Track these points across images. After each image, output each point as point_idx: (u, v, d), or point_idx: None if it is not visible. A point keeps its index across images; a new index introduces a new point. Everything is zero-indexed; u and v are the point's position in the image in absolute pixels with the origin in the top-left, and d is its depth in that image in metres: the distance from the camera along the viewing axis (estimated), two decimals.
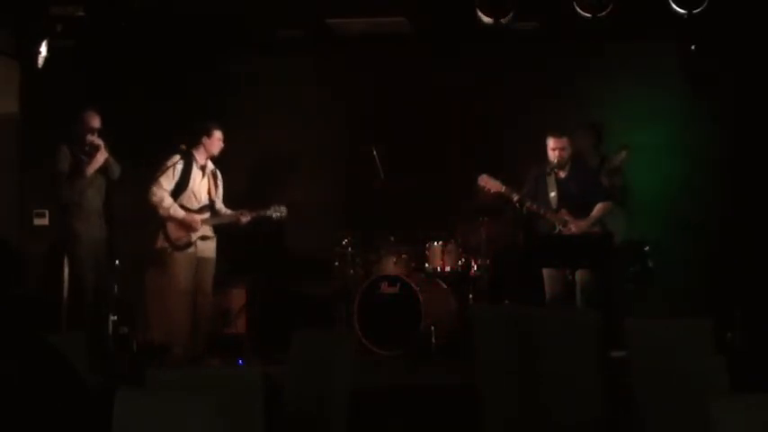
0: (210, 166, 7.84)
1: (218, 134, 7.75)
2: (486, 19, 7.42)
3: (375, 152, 8.38)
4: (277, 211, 7.86)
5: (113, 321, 7.68)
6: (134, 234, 8.17)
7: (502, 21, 7.41)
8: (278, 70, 9.05)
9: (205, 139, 7.72)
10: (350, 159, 8.85)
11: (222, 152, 7.81)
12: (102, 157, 7.56)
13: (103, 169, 7.61)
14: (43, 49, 7.70)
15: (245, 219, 7.81)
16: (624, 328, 4.86)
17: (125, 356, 7.40)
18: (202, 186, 7.77)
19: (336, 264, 8.33)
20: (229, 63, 9.05)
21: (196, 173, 7.72)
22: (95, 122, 7.60)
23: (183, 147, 7.67)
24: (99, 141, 7.55)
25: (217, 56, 8.99)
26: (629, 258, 7.64)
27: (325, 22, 8.41)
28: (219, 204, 7.89)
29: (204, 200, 7.77)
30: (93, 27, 8.03)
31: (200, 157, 7.74)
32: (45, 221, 8.75)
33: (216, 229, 7.80)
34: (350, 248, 8.26)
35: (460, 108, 8.80)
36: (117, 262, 7.78)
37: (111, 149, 7.63)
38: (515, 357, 5.16)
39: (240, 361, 7.47)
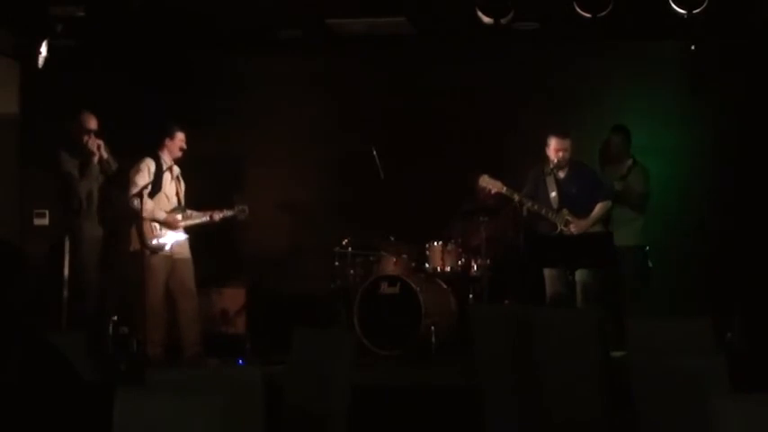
0: (176, 169, 7.81)
1: (180, 136, 7.71)
2: (486, 19, 7.42)
3: (375, 152, 8.39)
4: (241, 212, 7.84)
5: (113, 321, 7.69)
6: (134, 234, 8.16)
7: (502, 21, 7.41)
8: (278, 70, 9.05)
9: (168, 141, 7.70)
10: (349, 159, 8.84)
11: (185, 153, 7.76)
12: (104, 154, 7.58)
13: (104, 170, 7.62)
14: (43, 49, 7.71)
15: (216, 217, 7.80)
16: (624, 328, 4.86)
17: (125, 356, 7.40)
18: (172, 188, 7.76)
19: (336, 264, 8.33)
20: (229, 63, 9.06)
21: (166, 175, 7.71)
22: (92, 124, 7.61)
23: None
24: (98, 141, 7.56)
25: (217, 56, 8.99)
26: (629, 258, 7.64)
27: (326, 22, 8.41)
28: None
29: (174, 201, 7.76)
30: (93, 27, 8.03)
31: (166, 158, 7.72)
32: (45, 221, 8.75)
33: (187, 229, 7.78)
34: (350, 248, 8.26)
35: (460, 108, 8.79)
36: (117, 262, 7.79)
37: (111, 149, 7.64)
38: (515, 357, 5.17)
39: (240, 361, 7.47)
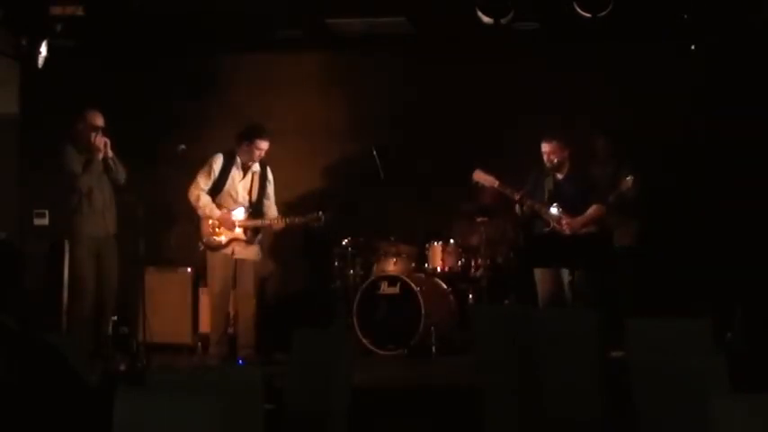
0: (256, 167, 7.72)
1: (260, 144, 7.57)
2: (486, 19, 7.43)
3: (375, 152, 8.39)
4: (315, 219, 7.74)
5: (113, 321, 7.70)
6: (134, 234, 8.16)
7: (502, 21, 7.41)
8: (278, 70, 9.05)
9: (244, 144, 7.60)
10: (349, 159, 8.85)
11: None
12: (110, 152, 7.58)
13: (108, 169, 7.62)
14: (43, 49, 7.70)
15: (278, 225, 7.78)
16: (623, 328, 4.87)
17: (125, 356, 7.41)
18: (241, 187, 7.70)
19: (336, 264, 8.33)
20: (229, 63, 9.06)
21: (235, 173, 7.65)
22: (99, 121, 7.61)
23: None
24: (104, 139, 7.57)
25: (216, 56, 8.99)
26: (626, 259, 7.65)
27: (326, 22, 8.41)
28: (269, 206, 7.80)
29: (243, 201, 7.70)
30: (93, 27, 8.03)
31: (241, 159, 7.67)
32: (45, 221, 8.74)
33: (257, 231, 7.76)
34: (350, 248, 8.26)
35: (460, 108, 8.79)
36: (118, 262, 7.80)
37: (113, 149, 7.65)
38: (515, 357, 5.17)
39: (240, 361, 7.47)
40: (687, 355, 4.12)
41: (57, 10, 7.76)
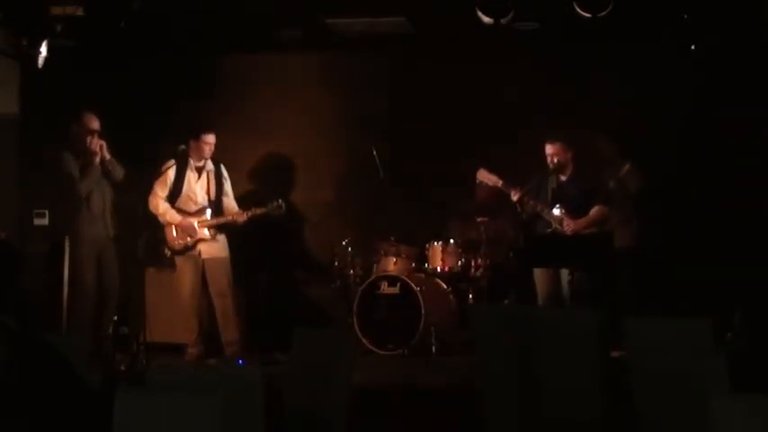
0: (210, 166, 7.83)
1: (206, 138, 7.73)
2: (486, 19, 7.43)
3: (375, 152, 8.39)
4: (276, 208, 7.84)
5: (113, 321, 7.70)
6: (133, 234, 8.16)
7: (502, 21, 7.42)
8: (278, 70, 9.05)
9: (193, 143, 7.73)
10: (350, 159, 8.85)
11: (214, 154, 7.82)
12: (107, 155, 7.59)
13: (106, 172, 7.63)
14: (43, 49, 7.70)
15: (240, 218, 7.80)
16: (623, 328, 4.86)
17: (125, 356, 7.41)
18: (199, 188, 7.78)
19: (336, 264, 8.33)
20: (229, 63, 9.06)
21: (191, 175, 7.76)
22: (94, 124, 7.62)
23: (183, 147, 7.70)
24: (100, 142, 7.57)
25: (216, 56, 9.00)
26: (627, 258, 7.66)
27: (326, 22, 8.41)
28: (228, 203, 7.88)
29: (203, 201, 7.78)
30: (93, 27, 8.03)
31: (193, 158, 7.74)
32: (45, 221, 8.75)
33: (222, 228, 7.81)
34: (350, 248, 8.26)
35: (460, 108, 8.79)
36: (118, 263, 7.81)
37: (112, 150, 7.66)
38: (515, 357, 5.16)
39: (240, 361, 7.48)
40: (687, 355, 4.12)
41: (57, 10, 7.76)
